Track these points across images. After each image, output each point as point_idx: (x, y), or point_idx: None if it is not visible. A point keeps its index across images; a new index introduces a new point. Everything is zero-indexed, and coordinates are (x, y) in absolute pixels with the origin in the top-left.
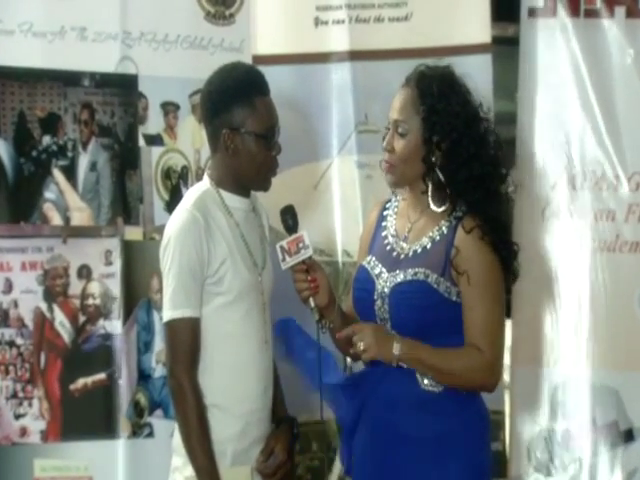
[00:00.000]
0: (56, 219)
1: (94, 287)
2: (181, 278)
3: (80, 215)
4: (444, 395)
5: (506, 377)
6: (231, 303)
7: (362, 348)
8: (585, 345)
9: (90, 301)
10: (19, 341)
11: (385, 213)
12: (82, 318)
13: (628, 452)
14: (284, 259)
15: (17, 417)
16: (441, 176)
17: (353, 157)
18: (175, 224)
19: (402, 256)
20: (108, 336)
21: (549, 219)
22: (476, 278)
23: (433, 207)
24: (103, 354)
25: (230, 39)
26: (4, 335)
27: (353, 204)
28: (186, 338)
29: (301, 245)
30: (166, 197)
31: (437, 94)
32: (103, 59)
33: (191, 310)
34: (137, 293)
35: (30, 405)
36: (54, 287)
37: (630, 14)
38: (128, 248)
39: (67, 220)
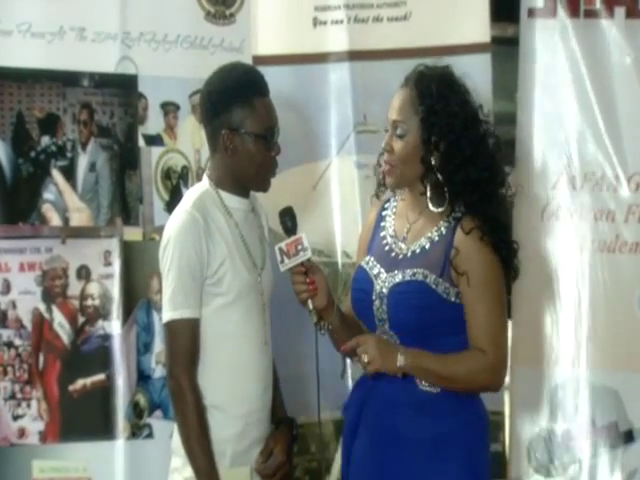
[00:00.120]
0: (55, 220)
1: (93, 288)
2: (181, 279)
3: (79, 216)
4: (442, 396)
5: (506, 378)
6: (230, 304)
7: (366, 360)
8: (585, 345)
9: (89, 302)
10: (17, 342)
11: (384, 213)
12: (81, 319)
13: (628, 453)
14: (283, 261)
15: (15, 418)
16: (439, 177)
17: (352, 157)
18: (174, 225)
19: (401, 256)
20: (107, 337)
21: (549, 219)
22: (476, 279)
23: (432, 208)
24: (102, 355)
25: (230, 39)
26: (2, 336)
27: (352, 204)
28: (186, 339)
29: (300, 247)
30: (166, 197)
31: (436, 94)
32: (102, 59)
33: (191, 311)
34: (137, 294)
35: (29, 406)
36: (53, 288)
37: (630, 14)
38: (127, 249)
39: (66, 221)
